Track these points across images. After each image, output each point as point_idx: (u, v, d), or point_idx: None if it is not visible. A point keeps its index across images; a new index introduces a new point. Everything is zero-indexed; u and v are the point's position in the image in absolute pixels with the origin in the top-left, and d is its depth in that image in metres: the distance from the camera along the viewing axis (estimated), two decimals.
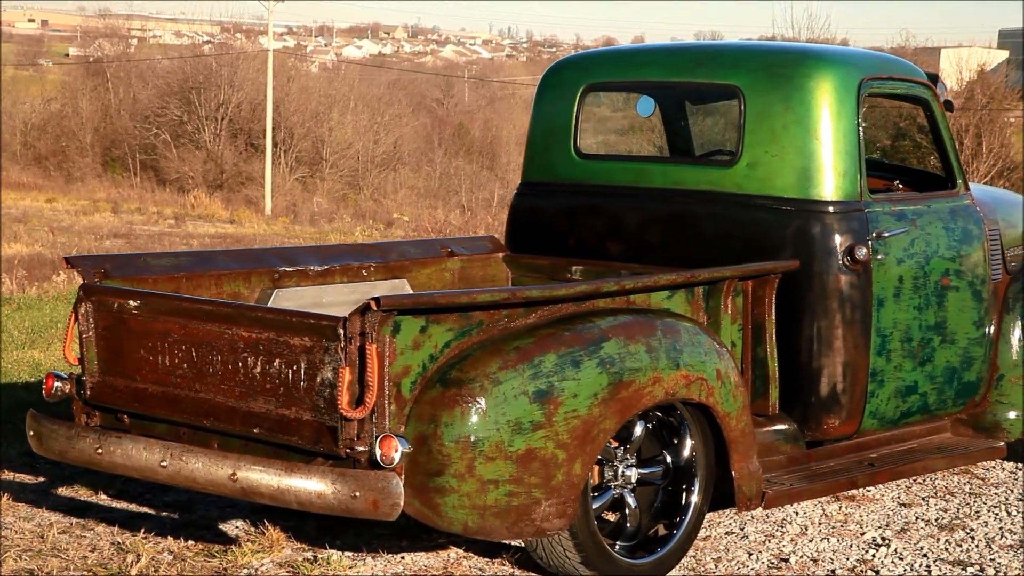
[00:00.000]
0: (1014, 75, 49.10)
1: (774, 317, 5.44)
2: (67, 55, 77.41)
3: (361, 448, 4.39)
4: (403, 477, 4.38)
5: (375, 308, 4.29)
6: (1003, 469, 6.71)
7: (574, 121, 6.26)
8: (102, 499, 5.97)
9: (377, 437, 4.36)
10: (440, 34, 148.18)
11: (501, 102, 62.56)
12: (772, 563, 5.28)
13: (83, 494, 6.02)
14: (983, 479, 6.54)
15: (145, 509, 5.85)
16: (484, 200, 40.45)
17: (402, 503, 4.36)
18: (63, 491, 6.06)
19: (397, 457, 4.33)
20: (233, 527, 5.60)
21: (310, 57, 76.02)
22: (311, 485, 4.41)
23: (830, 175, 5.59)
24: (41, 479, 6.24)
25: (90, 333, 5.08)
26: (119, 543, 5.34)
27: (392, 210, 40.94)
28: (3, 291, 14.62)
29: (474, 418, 4.42)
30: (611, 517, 5.13)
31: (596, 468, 4.96)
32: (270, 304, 5.58)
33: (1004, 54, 57.80)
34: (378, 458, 4.34)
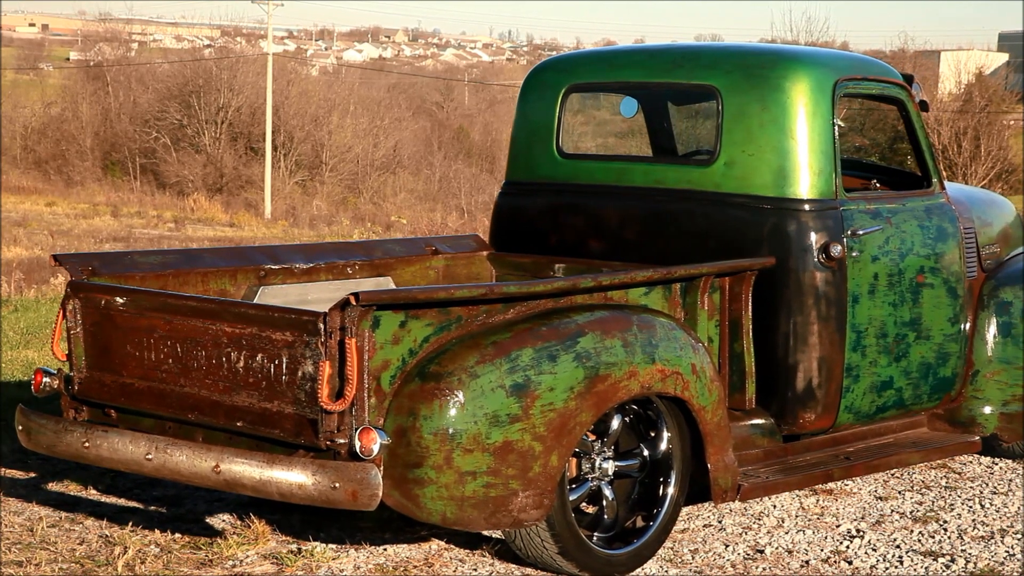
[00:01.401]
0: (1013, 78, 49.16)
1: (751, 313, 5.54)
2: (68, 59, 77.49)
3: (341, 440, 4.48)
4: (382, 469, 4.47)
5: (354, 303, 4.39)
6: (979, 463, 6.81)
7: (556, 121, 6.35)
8: (91, 494, 6.07)
9: (356, 429, 4.45)
10: (440, 38, 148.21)
11: (501, 105, 62.53)
12: (748, 554, 5.37)
13: (73, 489, 6.12)
14: (959, 473, 6.64)
15: (134, 503, 5.94)
16: (484, 203, 40.53)
17: (381, 494, 4.45)
18: (53, 486, 6.16)
19: (376, 449, 4.43)
20: (219, 520, 5.70)
21: (310, 61, 76.15)
22: (292, 476, 4.50)
23: (806, 174, 5.69)
24: (32, 474, 6.33)
25: (77, 329, 5.17)
26: (107, 536, 5.44)
27: (391, 213, 41.04)
28: (1, 293, 14.73)
29: (452, 411, 4.52)
30: (589, 509, 5.22)
31: (573, 461, 5.05)
32: (255, 301, 5.67)
33: (1004, 57, 57.92)
34: (357, 450, 4.44)
